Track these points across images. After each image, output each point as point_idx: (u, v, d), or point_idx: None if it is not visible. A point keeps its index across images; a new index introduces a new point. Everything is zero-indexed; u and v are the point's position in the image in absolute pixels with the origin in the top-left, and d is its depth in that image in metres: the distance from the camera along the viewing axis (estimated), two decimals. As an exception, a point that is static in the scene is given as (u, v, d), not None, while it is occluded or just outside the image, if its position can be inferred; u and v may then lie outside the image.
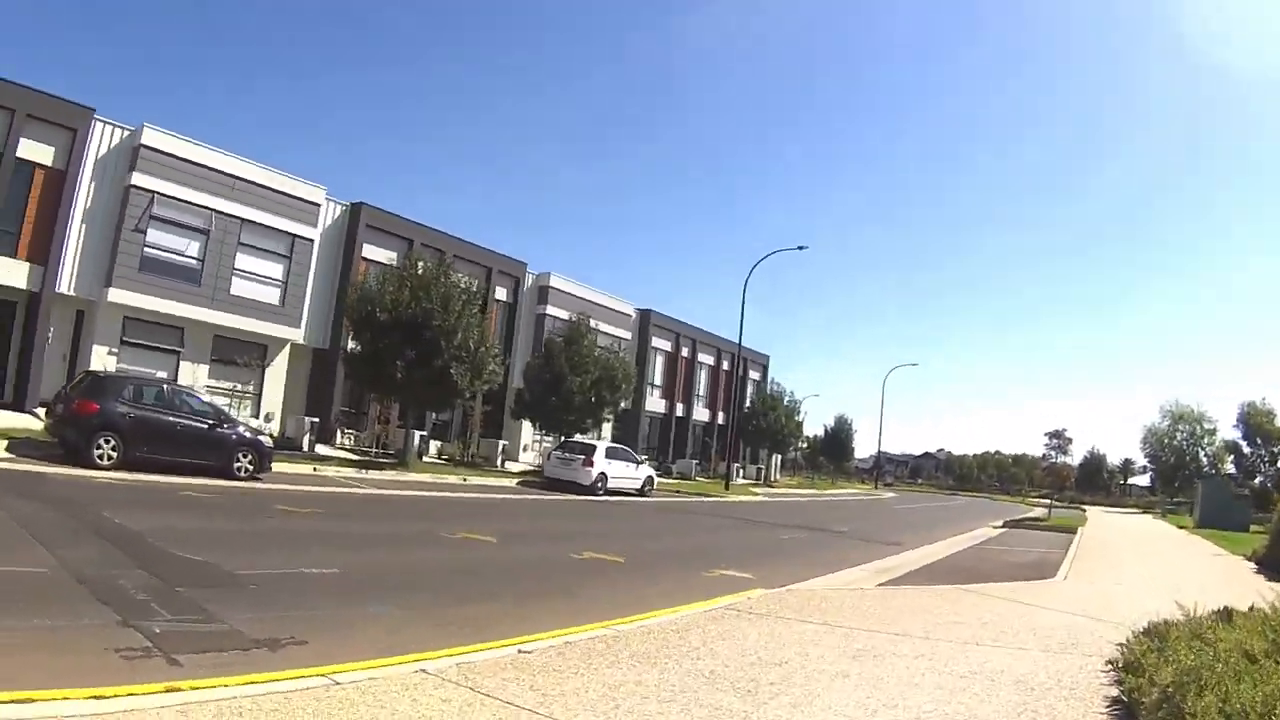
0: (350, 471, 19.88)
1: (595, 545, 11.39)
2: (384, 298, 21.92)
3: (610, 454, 24.93)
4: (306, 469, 18.95)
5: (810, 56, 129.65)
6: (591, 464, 23.71)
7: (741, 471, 48.21)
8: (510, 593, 7.67)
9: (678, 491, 29.93)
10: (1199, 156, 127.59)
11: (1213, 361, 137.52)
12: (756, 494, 35.49)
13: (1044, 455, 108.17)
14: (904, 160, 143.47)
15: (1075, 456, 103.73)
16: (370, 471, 20.58)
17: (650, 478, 26.76)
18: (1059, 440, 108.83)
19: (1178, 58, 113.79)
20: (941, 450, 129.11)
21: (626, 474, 25.29)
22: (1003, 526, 25.51)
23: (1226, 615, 6.49)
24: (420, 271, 22.81)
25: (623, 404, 32.34)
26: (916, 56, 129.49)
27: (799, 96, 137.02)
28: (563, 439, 27.72)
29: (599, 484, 23.66)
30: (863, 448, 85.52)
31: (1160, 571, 14.21)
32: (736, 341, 37.85)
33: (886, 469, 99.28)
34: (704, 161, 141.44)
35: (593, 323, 30.56)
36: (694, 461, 43.45)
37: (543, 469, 26.16)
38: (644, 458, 30.43)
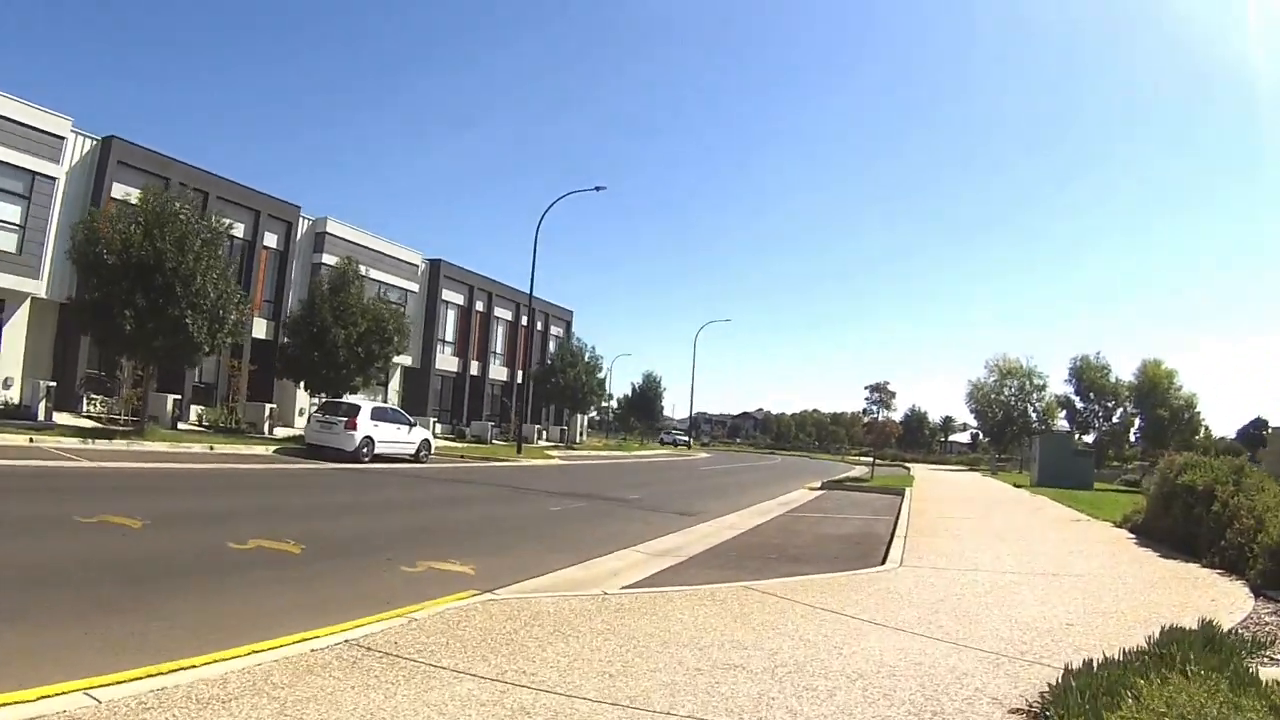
0: (74, 442, 18.68)
1: (281, 528, 9.83)
2: (112, 237, 20.35)
3: (377, 415, 24.17)
4: (21, 441, 17.67)
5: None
6: (355, 427, 22.91)
7: (545, 434, 49.11)
8: (69, 612, 5.51)
9: (462, 456, 29.91)
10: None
11: (1037, 320, 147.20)
12: (553, 457, 35.95)
13: (865, 411, 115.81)
14: (714, 112, 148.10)
15: (899, 412, 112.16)
16: (99, 441, 19.50)
17: (426, 441, 26.26)
18: (881, 394, 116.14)
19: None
20: (760, 410, 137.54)
21: (398, 438, 24.70)
22: (820, 488, 25.29)
23: (1191, 643, 4.56)
24: (150, 205, 21.21)
25: (397, 358, 31.82)
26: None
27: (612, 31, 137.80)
28: (325, 400, 26.68)
29: (364, 449, 22.99)
30: (681, 409, 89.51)
31: (1022, 548, 11.66)
32: (529, 292, 38.32)
33: (704, 429, 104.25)
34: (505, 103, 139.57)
35: (362, 268, 29.57)
36: (490, 423, 43.57)
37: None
38: (419, 419, 29.96)
